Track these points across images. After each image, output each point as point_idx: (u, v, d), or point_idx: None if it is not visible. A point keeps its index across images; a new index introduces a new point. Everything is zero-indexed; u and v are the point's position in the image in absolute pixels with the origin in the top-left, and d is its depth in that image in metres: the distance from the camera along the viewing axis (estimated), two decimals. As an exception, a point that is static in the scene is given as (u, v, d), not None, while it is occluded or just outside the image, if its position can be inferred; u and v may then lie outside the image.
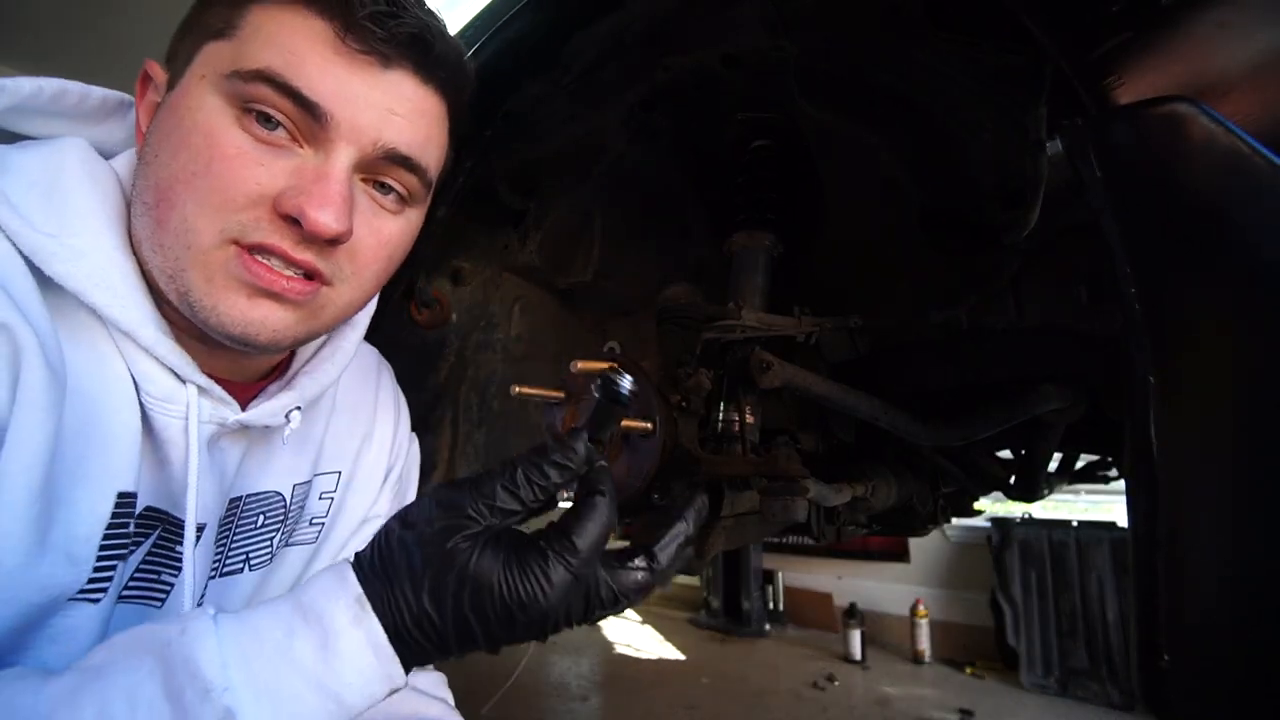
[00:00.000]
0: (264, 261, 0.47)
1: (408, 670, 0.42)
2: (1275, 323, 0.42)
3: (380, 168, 0.51)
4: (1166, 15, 0.47)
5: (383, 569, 0.42)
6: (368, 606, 0.40)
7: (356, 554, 0.44)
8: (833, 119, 1.00)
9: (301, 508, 0.68)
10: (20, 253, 0.44)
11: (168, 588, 0.54)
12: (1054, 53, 0.52)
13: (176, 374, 0.50)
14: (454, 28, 0.95)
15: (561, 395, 0.86)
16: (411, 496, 0.83)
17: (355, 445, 0.73)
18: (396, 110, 0.50)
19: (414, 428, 0.87)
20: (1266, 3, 0.45)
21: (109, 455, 0.47)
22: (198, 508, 0.53)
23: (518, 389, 0.80)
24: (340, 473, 0.71)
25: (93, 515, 0.46)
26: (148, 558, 0.53)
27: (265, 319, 0.48)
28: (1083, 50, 0.50)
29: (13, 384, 0.40)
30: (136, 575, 0.53)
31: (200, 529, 0.56)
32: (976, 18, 0.72)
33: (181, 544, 0.53)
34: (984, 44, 0.74)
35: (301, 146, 0.48)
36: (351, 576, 0.42)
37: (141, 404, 0.50)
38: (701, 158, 1.20)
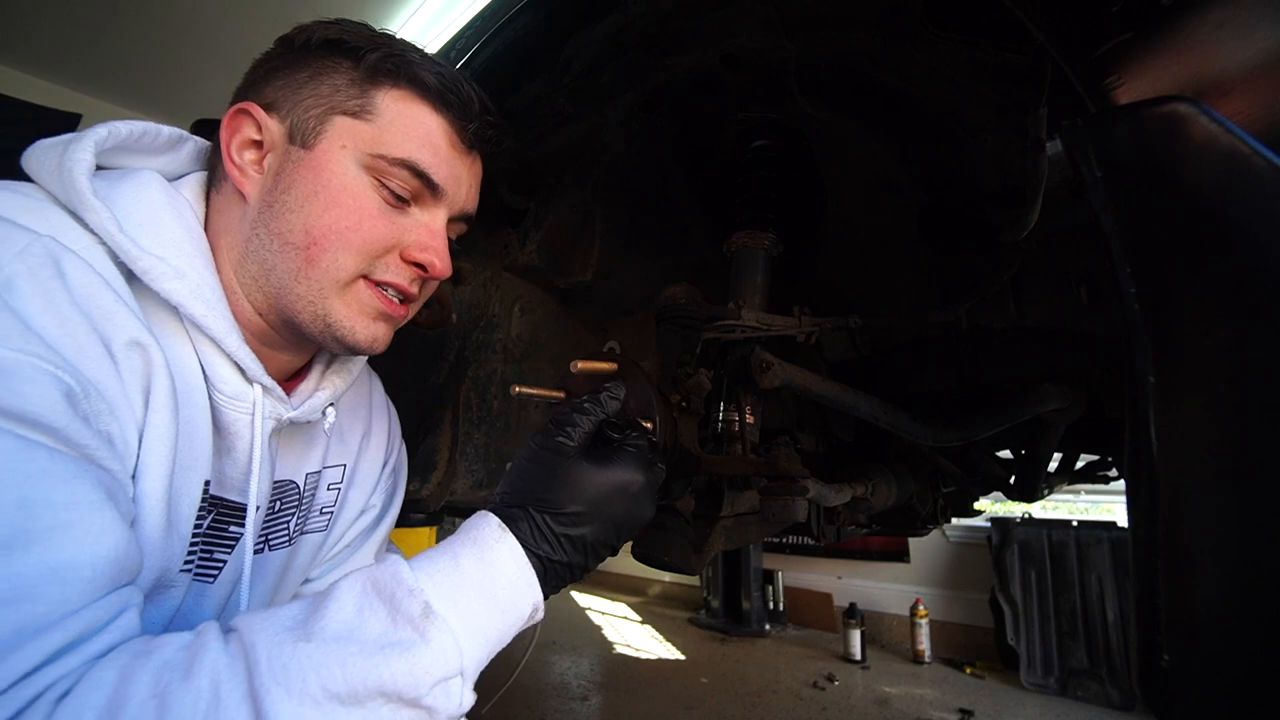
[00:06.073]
0: (386, 294, 0.63)
1: (546, 581, 0.55)
2: (1275, 322, 0.42)
3: (452, 223, 0.67)
4: (1166, 15, 0.47)
5: (509, 491, 0.57)
6: (507, 530, 0.54)
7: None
8: (833, 119, 1.00)
9: (313, 496, 0.75)
10: (126, 272, 0.51)
11: (220, 564, 0.62)
12: (1054, 52, 0.52)
13: (244, 375, 0.59)
14: (454, 27, 0.96)
15: (561, 395, 0.85)
16: (403, 487, 0.90)
17: (357, 441, 0.80)
18: (473, 185, 0.68)
19: (414, 428, 0.89)
20: (1266, 3, 0.45)
21: (197, 447, 0.56)
22: (255, 493, 0.61)
23: (518, 389, 0.80)
24: (345, 465, 0.78)
25: (190, 498, 0.56)
26: (205, 538, 0.60)
27: (383, 335, 0.64)
28: (1083, 50, 0.50)
29: (146, 394, 0.50)
30: (193, 553, 0.60)
31: (255, 510, 0.63)
32: (976, 18, 0.72)
33: (234, 525, 0.62)
34: (984, 44, 0.74)
35: (411, 206, 0.62)
36: (491, 515, 0.56)
37: (211, 401, 0.58)
38: (701, 158, 1.20)
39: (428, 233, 0.63)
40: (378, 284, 0.62)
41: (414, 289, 0.64)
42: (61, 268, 0.46)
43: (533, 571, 0.54)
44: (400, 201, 0.61)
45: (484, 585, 0.51)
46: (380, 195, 0.60)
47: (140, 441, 0.50)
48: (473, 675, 0.49)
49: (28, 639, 0.37)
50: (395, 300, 0.63)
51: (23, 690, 0.36)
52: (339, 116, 0.59)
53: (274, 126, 0.59)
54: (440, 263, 0.63)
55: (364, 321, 0.62)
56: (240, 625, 0.44)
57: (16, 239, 0.45)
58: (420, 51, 0.63)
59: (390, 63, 0.59)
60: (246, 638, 0.43)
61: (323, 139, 0.58)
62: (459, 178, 0.64)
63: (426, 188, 0.62)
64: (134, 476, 0.50)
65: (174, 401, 0.52)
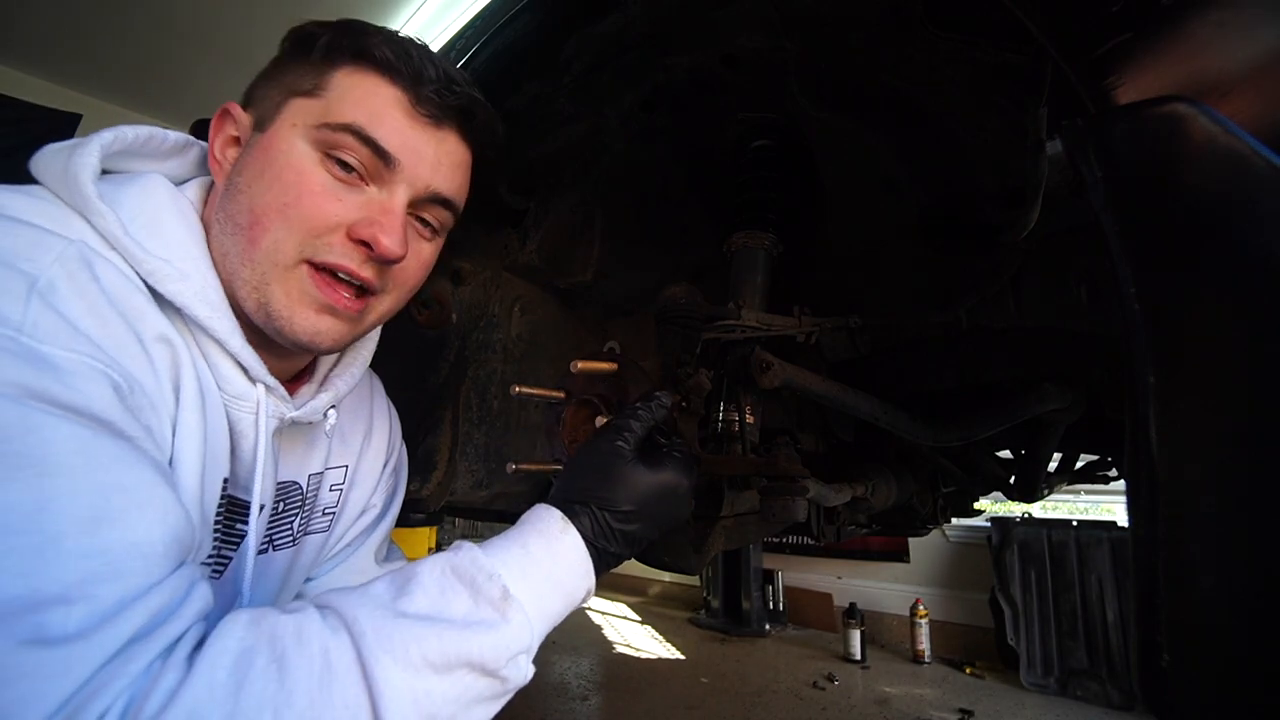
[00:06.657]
0: (331, 280, 0.59)
1: (599, 569, 0.61)
2: (1275, 322, 0.42)
3: (424, 205, 0.63)
4: (1166, 15, 0.47)
5: (570, 488, 0.63)
6: (569, 523, 0.60)
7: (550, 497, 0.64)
8: (833, 119, 1.00)
9: (315, 497, 0.75)
10: (137, 274, 0.52)
11: (226, 560, 0.63)
12: (1054, 53, 0.52)
13: (248, 375, 0.59)
14: (454, 27, 0.96)
15: (561, 395, 0.86)
16: (403, 487, 0.90)
17: (358, 442, 0.80)
18: (443, 162, 0.63)
19: (414, 428, 0.89)
20: (1266, 3, 0.45)
21: (219, 444, 0.57)
22: (260, 491, 0.62)
23: (518, 389, 0.80)
24: (347, 467, 0.78)
25: (213, 493, 0.58)
26: (217, 535, 0.61)
27: (327, 329, 0.60)
28: (1083, 50, 0.50)
29: (176, 388, 0.52)
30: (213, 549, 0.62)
31: (260, 509, 0.64)
32: (976, 18, 0.72)
33: (240, 524, 0.62)
34: (984, 44, 0.74)
35: (368, 185, 0.59)
36: (553, 509, 0.61)
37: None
38: (701, 158, 1.20)
39: (379, 209, 0.59)
40: (321, 267, 0.58)
41: (366, 273, 0.59)
42: (95, 271, 0.47)
43: (591, 561, 0.60)
44: (349, 173, 0.58)
45: (551, 572, 0.57)
46: (327, 169, 0.57)
47: (173, 434, 0.52)
48: (535, 650, 0.54)
49: (128, 606, 0.39)
50: (346, 289, 0.59)
51: (142, 650, 0.39)
52: (295, 99, 0.59)
53: (245, 119, 0.61)
54: (387, 240, 0.58)
55: (304, 312, 0.58)
56: (334, 602, 0.48)
57: (52, 245, 0.46)
58: (386, 33, 0.61)
59: (344, 40, 0.59)
60: (346, 613, 0.46)
61: (277, 120, 0.59)
62: (417, 150, 0.60)
63: (378, 157, 0.58)
64: (169, 467, 0.52)
65: (201, 398, 0.54)
